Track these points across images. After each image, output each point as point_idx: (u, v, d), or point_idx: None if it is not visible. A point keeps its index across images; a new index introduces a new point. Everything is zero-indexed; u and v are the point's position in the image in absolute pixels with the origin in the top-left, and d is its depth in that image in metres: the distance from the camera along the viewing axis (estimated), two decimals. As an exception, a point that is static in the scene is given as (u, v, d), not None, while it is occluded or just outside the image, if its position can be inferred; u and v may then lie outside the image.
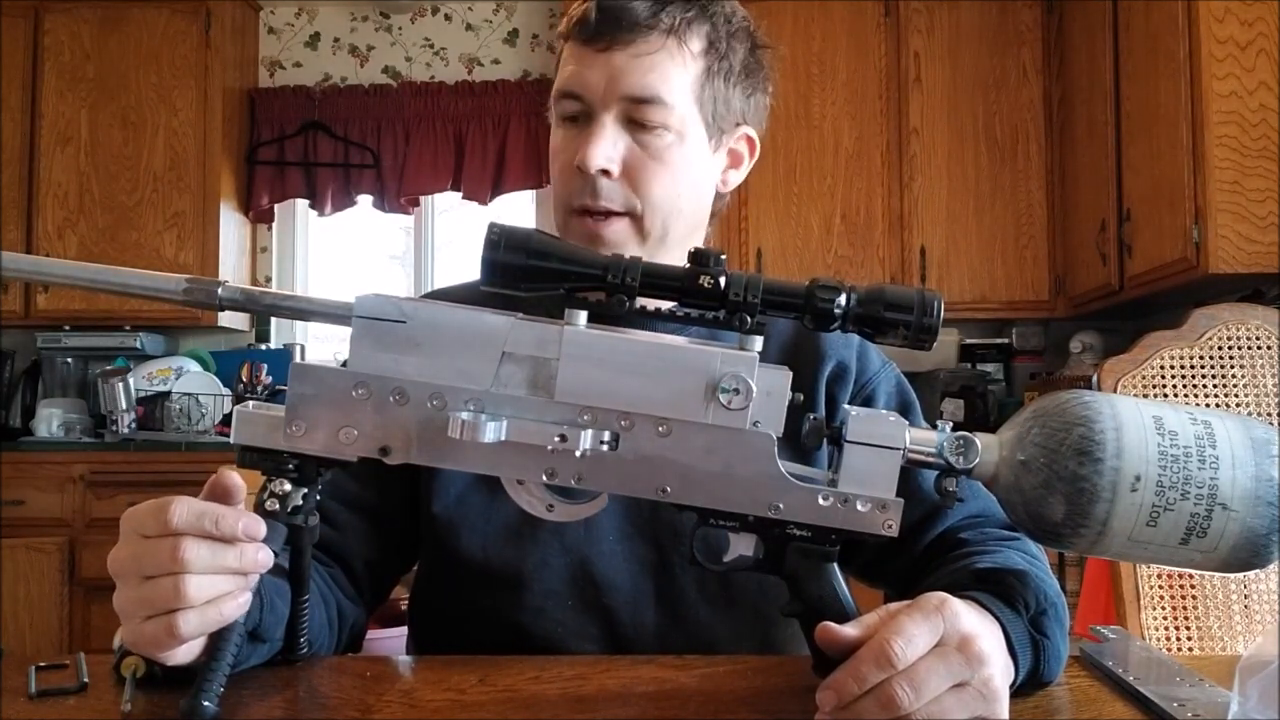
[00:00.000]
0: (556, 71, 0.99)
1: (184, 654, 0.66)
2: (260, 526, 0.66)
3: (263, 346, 3.93)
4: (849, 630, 0.65)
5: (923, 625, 0.63)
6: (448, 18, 4.04)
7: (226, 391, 3.57)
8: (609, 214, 0.93)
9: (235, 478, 0.68)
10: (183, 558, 0.62)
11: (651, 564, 0.94)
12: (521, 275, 0.68)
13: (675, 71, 0.92)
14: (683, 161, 0.95)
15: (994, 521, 0.93)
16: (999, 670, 0.65)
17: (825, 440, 0.72)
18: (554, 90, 0.96)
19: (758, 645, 0.96)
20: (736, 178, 1.03)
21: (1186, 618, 1.37)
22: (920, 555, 0.93)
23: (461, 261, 4.05)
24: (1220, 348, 1.42)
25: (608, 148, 0.91)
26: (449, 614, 0.98)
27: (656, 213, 0.94)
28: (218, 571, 0.64)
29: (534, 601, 0.93)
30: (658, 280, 0.68)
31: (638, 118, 0.92)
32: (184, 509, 0.64)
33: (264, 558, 0.66)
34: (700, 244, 1.00)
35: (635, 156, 0.93)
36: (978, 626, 0.65)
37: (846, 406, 0.73)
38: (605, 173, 0.92)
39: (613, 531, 0.94)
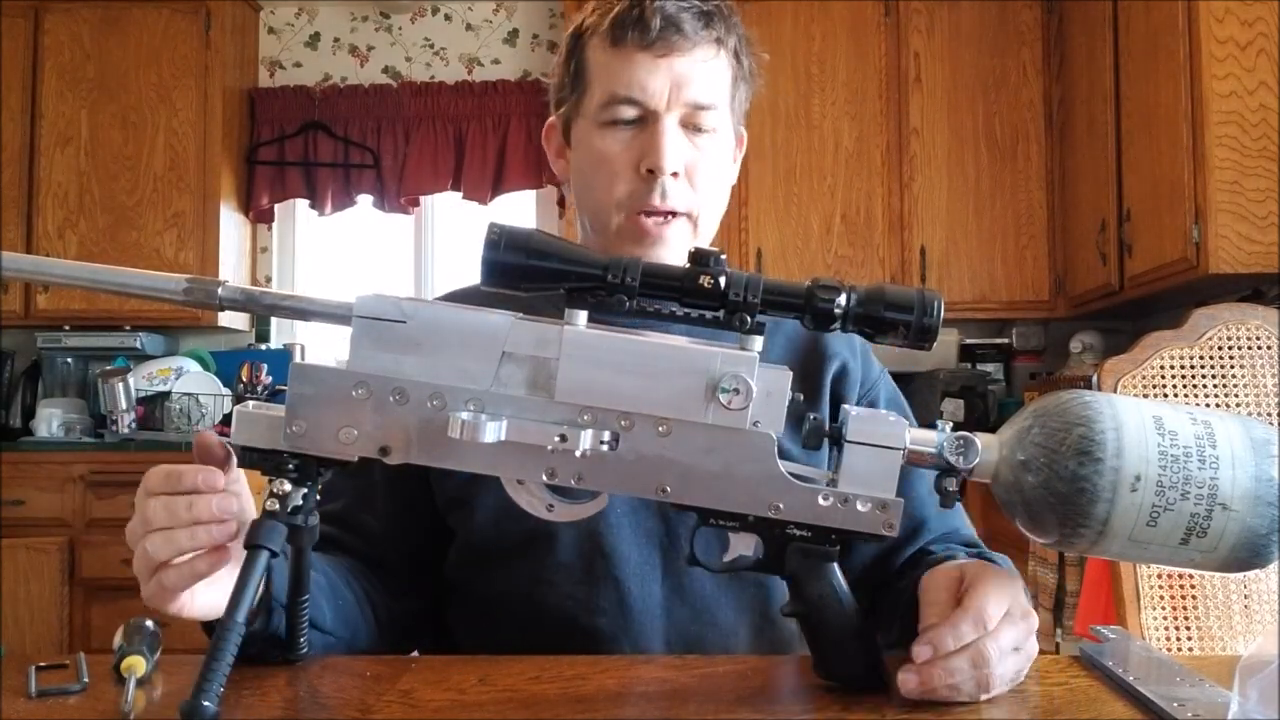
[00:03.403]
0: (577, 75, 0.99)
1: (202, 609, 0.72)
2: (218, 477, 0.69)
3: (263, 346, 3.93)
4: (935, 624, 0.72)
5: (1005, 593, 0.72)
6: (448, 18, 4.04)
7: (226, 391, 3.57)
8: (671, 214, 0.97)
9: (212, 436, 0.71)
10: (146, 518, 0.68)
11: (657, 536, 0.96)
12: (521, 275, 0.68)
13: (722, 78, 0.98)
14: (726, 162, 1.02)
15: (958, 538, 1.00)
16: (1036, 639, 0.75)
17: (826, 440, 0.72)
18: (603, 95, 0.96)
19: (758, 617, 0.97)
20: (734, 173, 1.07)
21: (1186, 618, 1.36)
22: (894, 573, 0.97)
23: (461, 261, 4.04)
24: (1220, 348, 1.42)
25: (679, 150, 0.96)
26: (470, 593, 1.00)
27: (709, 211, 1.00)
28: (174, 525, 0.67)
29: (546, 575, 0.94)
30: (658, 280, 0.68)
31: (695, 122, 0.97)
32: (154, 473, 0.69)
33: (220, 505, 0.68)
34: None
35: (694, 159, 0.97)
36: (1028, 602, 0.75)
37: (847, 406, 0.73)
38: (674, 175, 0.96)
39: (620, 504, 0.95)
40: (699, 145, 0.97)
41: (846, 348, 1.05)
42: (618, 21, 0.95)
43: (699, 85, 0.95)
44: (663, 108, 0.95)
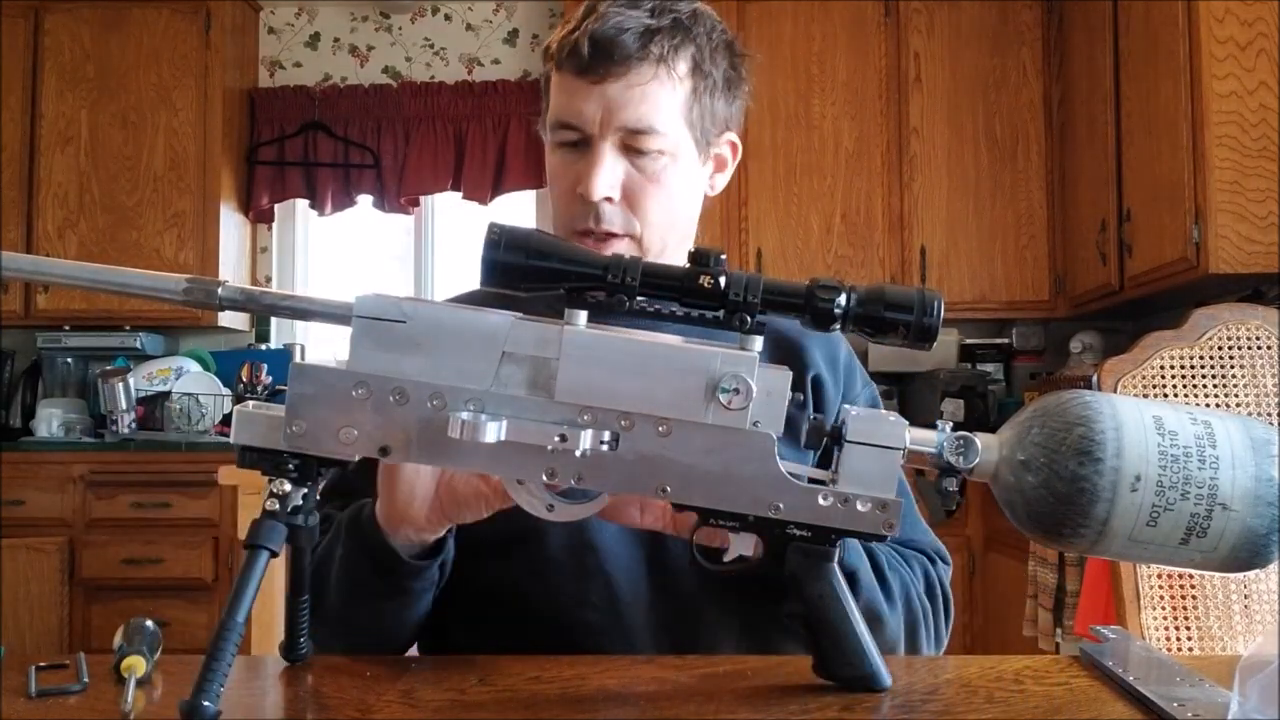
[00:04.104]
0: (545, 93, 1.02)
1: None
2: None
3: (263, 346, 3.93)
4: None
5: None
6: (448, 18, 4.04)
7: (226, 391, 3.57)
8: (610, 235, 0.97)
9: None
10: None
11: (646, 534, 0.95)
12: (521, 275, 0.68)
13: (666, 98, 0.95)
14: (677, 180, 0.99)
15: (901, 544, 0.99)
16: None
17: (824, 440, 0.72)
18: (550, 118, 0.99)
19: (745, 616, 0.97)
20: (722, 181, 1.07)
21: (1186, 618, 1.36)
22: None
23: (461, 261, 4.04)
24: (1220, 348, 1.42)
25: (608, 177, 0.95)
26: (463, 586, 0.99)
27: (655, 231, 0.98)
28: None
29: (537, 568, 0.95)
30: (658, 280, 0.68)
31: (634, 145, 0.95)
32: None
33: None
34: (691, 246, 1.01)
35: (634, 181, 0.96)
36: None
37: (846, 406, 0.73)
38: (607, 199, 0.95)
39: None
40: (641, 168, 0.96)
41: (827, 362, 1.05)
42: (559, 46, 0.96)
43: (633, 109, 0.94)
44: (596, 133, 0.95)
